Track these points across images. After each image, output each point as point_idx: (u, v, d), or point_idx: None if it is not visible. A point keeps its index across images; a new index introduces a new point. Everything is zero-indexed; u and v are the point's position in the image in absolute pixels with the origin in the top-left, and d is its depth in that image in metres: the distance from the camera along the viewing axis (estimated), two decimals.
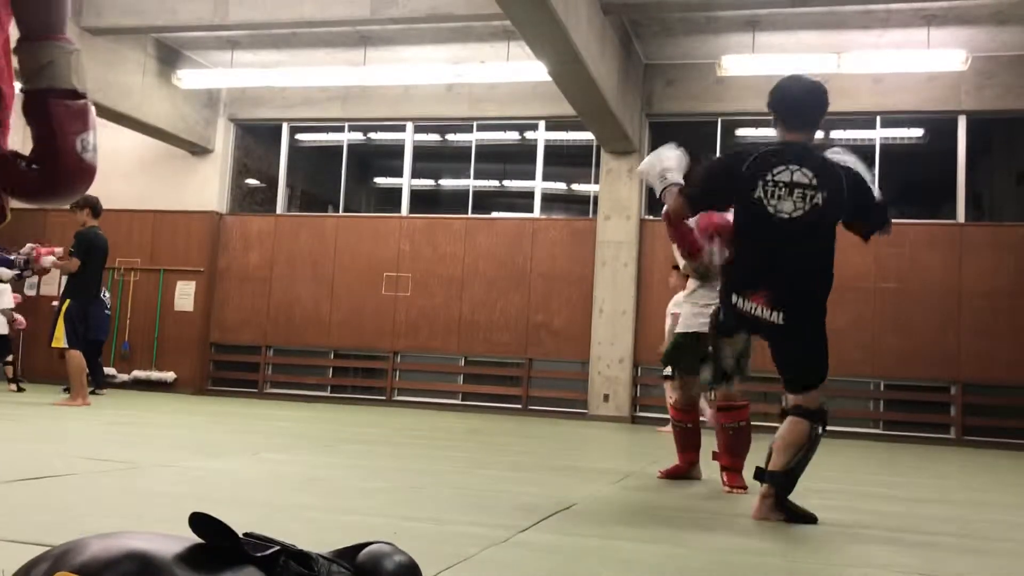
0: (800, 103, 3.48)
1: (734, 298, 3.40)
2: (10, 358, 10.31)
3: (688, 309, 4.62)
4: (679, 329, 4.67)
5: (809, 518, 3.27)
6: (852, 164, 3.40)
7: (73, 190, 1.35)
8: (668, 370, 9.19)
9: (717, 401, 4.39)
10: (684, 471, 4.67)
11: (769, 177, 3.33)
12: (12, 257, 8.60)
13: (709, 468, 4.68)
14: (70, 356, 7.92)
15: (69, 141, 1.29)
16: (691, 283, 4.69)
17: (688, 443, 4.67)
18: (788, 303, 3.32)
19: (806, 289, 3.38)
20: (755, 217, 3.36)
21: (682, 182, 3.75)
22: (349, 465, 4.63)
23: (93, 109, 1.35)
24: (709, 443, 4.64)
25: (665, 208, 3.72)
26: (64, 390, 9.97)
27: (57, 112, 1.29)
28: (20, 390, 9.97)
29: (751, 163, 3.38)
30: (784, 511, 3.26)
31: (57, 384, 10.55)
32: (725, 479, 4.31)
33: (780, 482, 3.28)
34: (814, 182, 3.30)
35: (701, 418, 4.83)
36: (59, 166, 1.30)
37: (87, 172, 1.34)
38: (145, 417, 7.61)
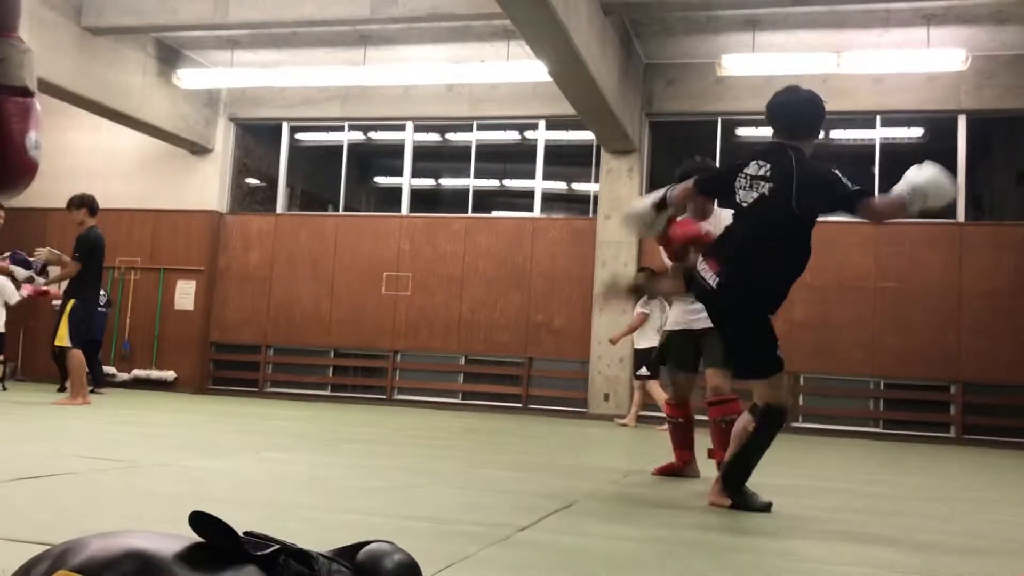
0: (777, 111, 3.72)
1: (700, 263, 3.71)
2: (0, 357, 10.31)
3: (679, 307, 4.68)
4: (668, 327, 4.74)
5: (757, 507, 3.46)
6: (826, 168, 3.62)
7: (17, 186, 1.35)
8: (643, 370, 9.65)
9: (708, 396, 4.42)
10: (679, 469, 4.69)
11: (745, 171, 3.64)
12: (32, 259, 8.64)
13: (707, 466, 4.68)
14: (71, 355, 7.92)
15: (17, 138, 1.29)
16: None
17: (682, 439, 4.70)
18: (729, 277, 3.55)
19: (748, 271, 3.56)
20: (734, 207, 3.71)
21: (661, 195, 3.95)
22: (349, 465, 4.64)
23: (39, 108, 1.35)
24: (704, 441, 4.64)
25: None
26: (59, 389, 9.98)
27: (7, 109, 1.28)
28: (3, 389, 9.98)
29: (738, 165, 3.70)
30: (731, 497, 3.52)
31: (56, 383, 10.54)
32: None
33: (726, 470, 3.60)
34: (767, 175, 3.56)
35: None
36: (6, 162, 1.29)
37: (32, 169, 1.34)
38: (145, 416, 7.61)
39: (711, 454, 4.41)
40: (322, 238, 12.65)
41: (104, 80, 11.00)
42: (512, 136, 12.73)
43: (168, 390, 12.47)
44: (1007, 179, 12.00)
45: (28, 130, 1.31)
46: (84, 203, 8.10)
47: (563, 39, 8.04)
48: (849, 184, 3.49)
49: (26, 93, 1.31)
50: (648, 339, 9.25)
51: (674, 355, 4.69)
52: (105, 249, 8.27)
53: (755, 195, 3.57)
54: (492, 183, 13.19)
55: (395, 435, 6.96)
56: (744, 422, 3.60)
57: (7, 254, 9.20)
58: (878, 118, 11.13)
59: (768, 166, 3.57)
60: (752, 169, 3.61)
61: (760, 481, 3.80)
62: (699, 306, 4.42)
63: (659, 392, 8.99)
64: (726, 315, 3.65)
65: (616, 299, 4.95)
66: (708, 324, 4.43)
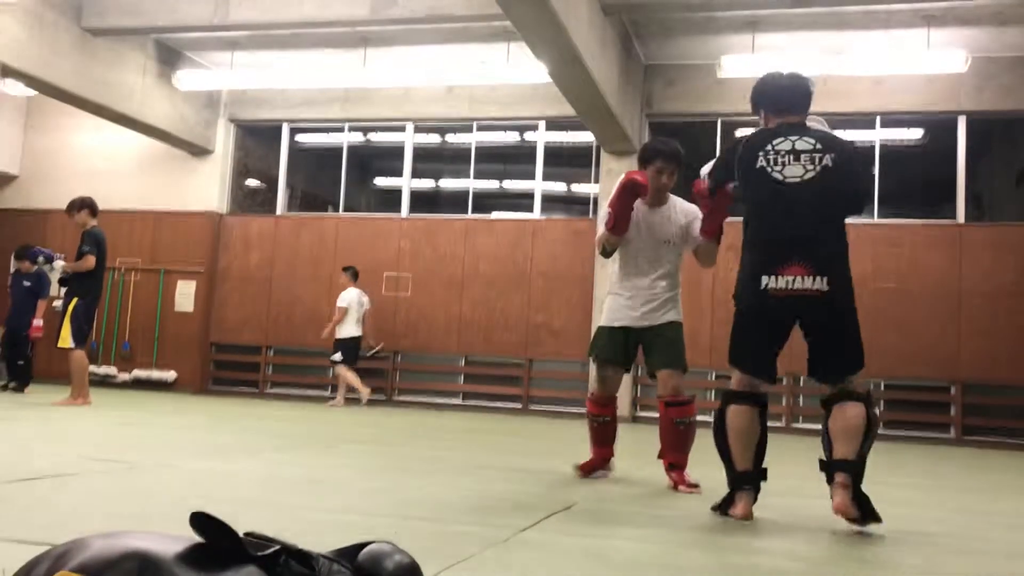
0: (784, 90, 3.53)
1: (764, 280, 3.24)
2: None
3: (612, 302, 4.52)
4: (603, 323, 4.55)
5: (876, 517, 3.12)
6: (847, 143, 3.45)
7: None
8: (338, 355, 10.48)
9: (665, 396, 4.33)
10: (600, 466, 4.59)
11: (768, 147, 3.35)
12: (52, 253, 8.70)
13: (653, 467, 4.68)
14: (74, 356, 7.92)
15: None
16: (613, 275, 4.63)
17: (607, 437, 4.58)
18: (828, 268, 3.20)
19: (837, 252, 3.28)
20: (763, 188, 3.34)
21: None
22: (349, 465, 4.64)
23: None
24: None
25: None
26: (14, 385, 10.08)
27: None
28: (20, 391, 9.99)
29: (745, 143, 3.45)
30: (859, 503, 3.11)
31: (62, 384, 10.55)
32: (675, 478, 4.23)
33: (856, 469, 3.13)
34: (818, 146, 3.31)
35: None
36: None
37: None
38: (145, 417, 7.61)
39: (662, 456, 4.32)
40: (322, 239, 12.65)
41: (104, 81, 11.01)
42: (512, 137, 12.73)
43: (168, 391, 12.47)
44: (1007, 180, 12.00)
45: None
46: (84, 205, 8.11)
47: (563, 40, 8.04)
48: None
49: None
50: (348, 331, 11.15)
51: (606, 350, 4.50)
52: (107, 250, 8.27)
53: (816, 167, 3.26)
54: (492, 184, 13.19)
55: (395, 436, 6.96)
56: (854, 412, 3.18)
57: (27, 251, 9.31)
58: (878, 119, 11.13)
59: (813, 139, 3.32)
60: (785, 145, 3.32)
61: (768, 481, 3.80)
62: (640, 302, 4.37)
63: (352, 377, 11.01)
64: (835, 309, 3.24)
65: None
66: (649, 322, 4.37)
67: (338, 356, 11.11)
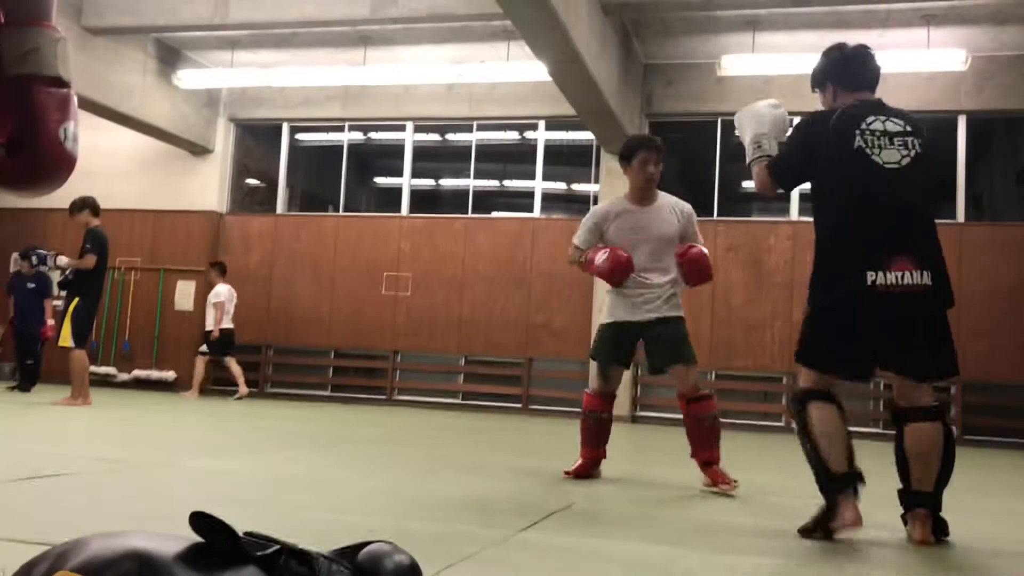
0: (860, 62, 3.20)
1: (871, 276, 2.91)
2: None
3: (612, 299, 4.40)
4: (605, 319, 4.42)
5: (947, 531, 2.98)
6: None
7: (54, 180, 1.30)
8: (204, 347, 10.51)
9: (686, 392, 4.23)
10: (591, 469, 4.40)
11: (864, 126, 3.00)
12: (45, 252, 8.71)
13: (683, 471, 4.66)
14: (74, 356, 7.91)
15: (52, 129, 1.25)
16: None
17: (602, 436, 4.42)
18: (932, 263, 2.97)
19: (936, 244, 3.05)
20: (862, 172, 2.97)
21: (773, 152, 3.27)
22: (349, 465, 4.64)
23: (75, 99, 1.32)
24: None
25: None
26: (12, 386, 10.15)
27: (41, 99, 1.24)
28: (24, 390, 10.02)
29: (838, 117, 3.05)
30: (936, 529, 2.93)
31: (65, 384, 10.55)
32: (711, 476, 4.11)
33: (936, 500, 2.95)
34: (908, 128, 3.03)
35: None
36: (41, 155, 1.25)
37: (69, 162, 1.30)
38: (145, 416, 7.61)
39: (699, 455, 4.18)
40: (322, 238, 12.65)
41: (104, 80, 11.00)
42: (512, 136, 12.73)
43: (168, 390, 12.47)
44: (1007, 179, 12.00)
45: (63, 122, 1.26)
46: (86, 205, 8.10)
47: (563, 39, 8.04)
48: None
49: (61, 84, 1.27)
50: (224, 322, 11.38)
51: (608, 348, 4.39)
52: (108, 250, 8.27)
53: (911, 153, 2.97)
54: (492, 183, 13.19)
55: (395, 435, 6.96)
56: (931, 436, 2.94)
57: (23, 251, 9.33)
58: None
59: (902, 122, 3.03)
60: (878, 125, 3.00)
61: (762, 480, 3.80)
62: (641, 299, 4.26)
63: (236, 370, 11.16)
64: (936, 306, 3.02)
65: None
66: (652, 315, 4.24)
67: (205, 348, 11.41)
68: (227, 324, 11.45)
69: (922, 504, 2.93)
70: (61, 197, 9.22)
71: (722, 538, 2.96)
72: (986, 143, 11.62)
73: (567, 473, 4.39)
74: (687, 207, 4.43)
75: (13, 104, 1.24)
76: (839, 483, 2.93)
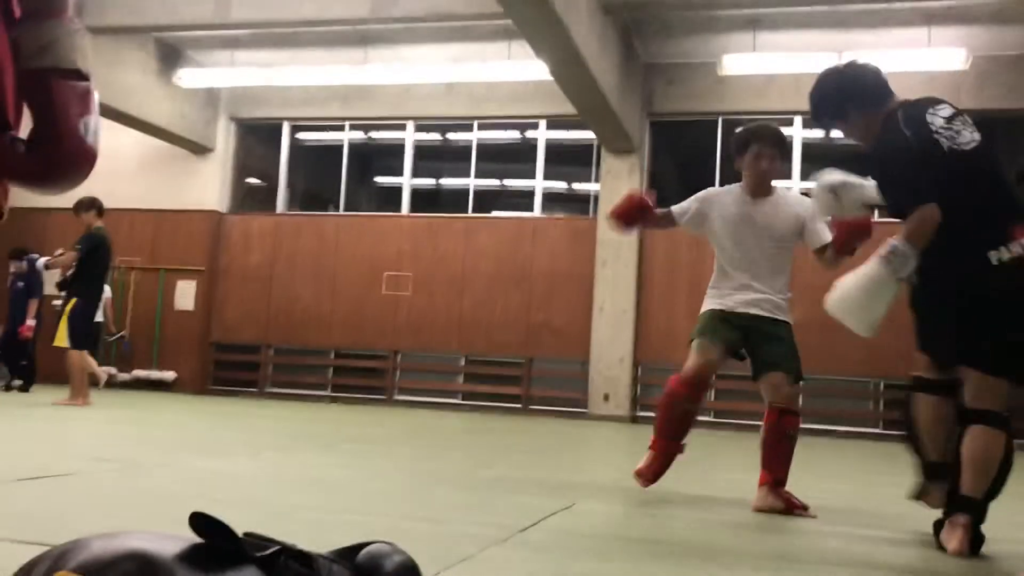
0: (877, 75, 3.17)
1: (996, 255, 2.75)
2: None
3: (714, 293, 3.97)
4: (707, 308, 3.92)
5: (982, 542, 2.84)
6: None
7: (76, 176, 1.29)
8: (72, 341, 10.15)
9: (780, 403, 3.76)
10: (667, 466, 3.87)
11: (932, 116, 2.93)
12: (45, 259, 8.76)
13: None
14: (71, 356, 7.92)
15: (72, 123, 1.23)
16: (713, 277, 4.05)
17: (684, 427, 3.88)
18: None
19: None
20: (949, 158, 2.86)
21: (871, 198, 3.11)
22: (349, 465, 4.64)
23: (96, 92, 1.31)
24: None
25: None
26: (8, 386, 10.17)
27: (61, 93, 1.23)
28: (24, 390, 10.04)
29: (909, 118, 2.95)
30: (972, 543, 2.78)
31: (63, 384, 10.56)
32: (782, 501, 3.59)
33: (980, 510, 2.82)
34: (957, 111, 2.98)
35: None
36: (62, 149, 1.24)
37: (90, 156, 1.28)
38: (145, 417, 7.62)
39: (774, 472, 3.67)
40: (323, 238, 12.65)
41: (104, 80, 10.99)
42: (512, 136, 12.73)
43: (168, 390, 12.47)
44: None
45: (83, 115, 1.25)
46: (92, 206, 8.09)
47: (563, 39, 8.04)
48: None
49: (80, 76, 1.26)
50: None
51: (713, 324, 3.85)
52: (111, 252, 8.26)
53: (976, 137, 2.91)
54: (492, 183, 13.19)
55: (395, 435, 6.96)
56: (993, 441, 2.81)
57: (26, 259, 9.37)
58: None
59: (950, 107, 3.00)
60: (942, 111, 2.94)
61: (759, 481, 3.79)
62: (754, 298, 3.81)
63: (90, 362, 9.95)
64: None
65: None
66: (759, 311, 3.81)
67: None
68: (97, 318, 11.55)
69: (964, 509, 2.79)
70: (63, 196, 9.25)
71: (722, 538, 2.96)
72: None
73: (638, 474, 3.86)
74: (808, 202, 3.86)
75: (33, 98, 1.23)
76: (930, 471, 3.02)
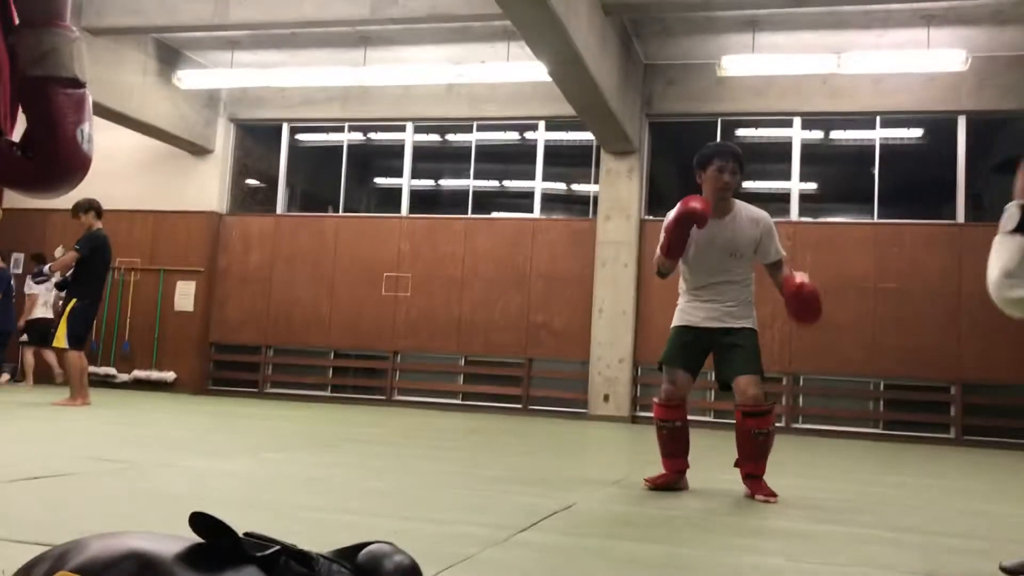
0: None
1: None
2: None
3: (685, 304, 4.29)
4: (675, 323, 4.28)
5: None
6: None
7: (70, 181, 1.31)
8: (25, 336, 11.01)
9: (746, 406, 4.03)
10: (673, 480, 4.19)
11: None
12: (45, 269, 8.76)
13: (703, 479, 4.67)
14: (70, 356, 7.91)
15: (69, 131, 1.25)
16: (681, 283, 4.37)
17: (679, 446, 4.20)
18: None
19: None
20: None
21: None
22: (349, 465, 4.64)
23: (91, 99, 1.33)
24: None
25: None
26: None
27: (59, 101, 1.25)
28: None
29: None
30: None
31: (63, 384, 10.56)
32: (751, 487, 4.02)
33: None
34: None
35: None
36: (59, 157, 1.26)
37: (85, 163, 1.31)
38: (145, 417, 7.61)
39: (744, 466, 4.06)
40: (322, 239, 12.65)
41: (104, 80, 11.00)
42: (512, 137, 12.73)
43: (168, 391, 12.47)
44: (1007, 179, 11.96)
45: (80, 123, 1.27)
46: (91, 207, 8.09)
47: (563, 39, 8.04)
48: None
49: (77, 84, 1.27)
50: (37, 312, 11.83)
51: (677, 351, 4.23)
52: (111, 253, 8.26)
53: None
54: (492, 184, 13.19)
55: (395, 436, 6.96)
56: None
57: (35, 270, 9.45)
58: (878, 118, 11.12)
59: None
60: None
61: (768, 482, 3.80)
62: (712, 307, 4.13)
63: (48, 355, 11.29)
64: None
65: None
66: (722, 324, 4.13)
67: (25, 337, 11.84)
68: (43, 313, 11.88)
69: None
70: (62, 197, 9.27)
71: (722, 537, 2.96)
72: (986, 143, 11.62)
73: (647, 481, 4.18)
74: (763, 216, 4.25)
75: (31, 106, 1.26)
76: None
